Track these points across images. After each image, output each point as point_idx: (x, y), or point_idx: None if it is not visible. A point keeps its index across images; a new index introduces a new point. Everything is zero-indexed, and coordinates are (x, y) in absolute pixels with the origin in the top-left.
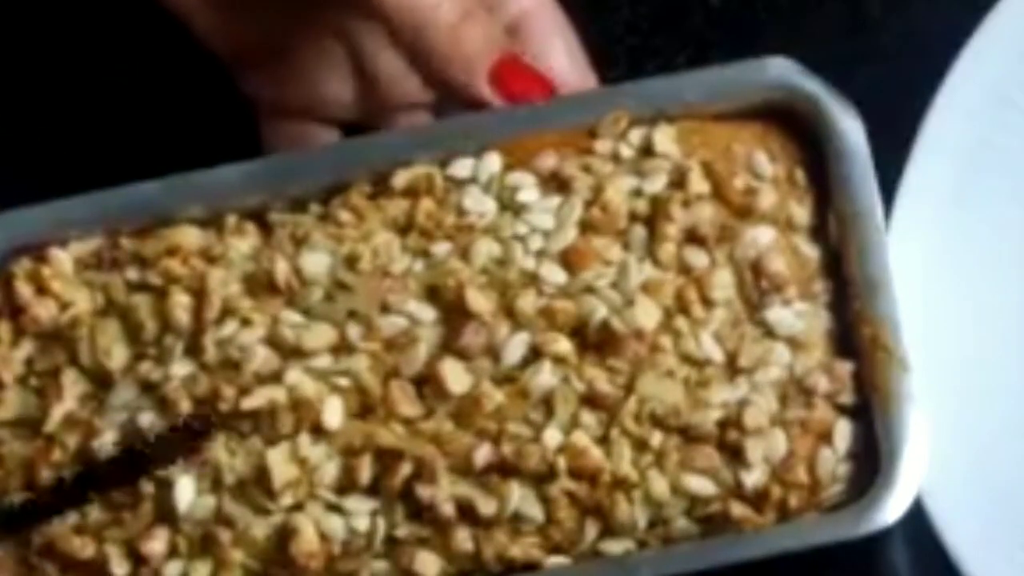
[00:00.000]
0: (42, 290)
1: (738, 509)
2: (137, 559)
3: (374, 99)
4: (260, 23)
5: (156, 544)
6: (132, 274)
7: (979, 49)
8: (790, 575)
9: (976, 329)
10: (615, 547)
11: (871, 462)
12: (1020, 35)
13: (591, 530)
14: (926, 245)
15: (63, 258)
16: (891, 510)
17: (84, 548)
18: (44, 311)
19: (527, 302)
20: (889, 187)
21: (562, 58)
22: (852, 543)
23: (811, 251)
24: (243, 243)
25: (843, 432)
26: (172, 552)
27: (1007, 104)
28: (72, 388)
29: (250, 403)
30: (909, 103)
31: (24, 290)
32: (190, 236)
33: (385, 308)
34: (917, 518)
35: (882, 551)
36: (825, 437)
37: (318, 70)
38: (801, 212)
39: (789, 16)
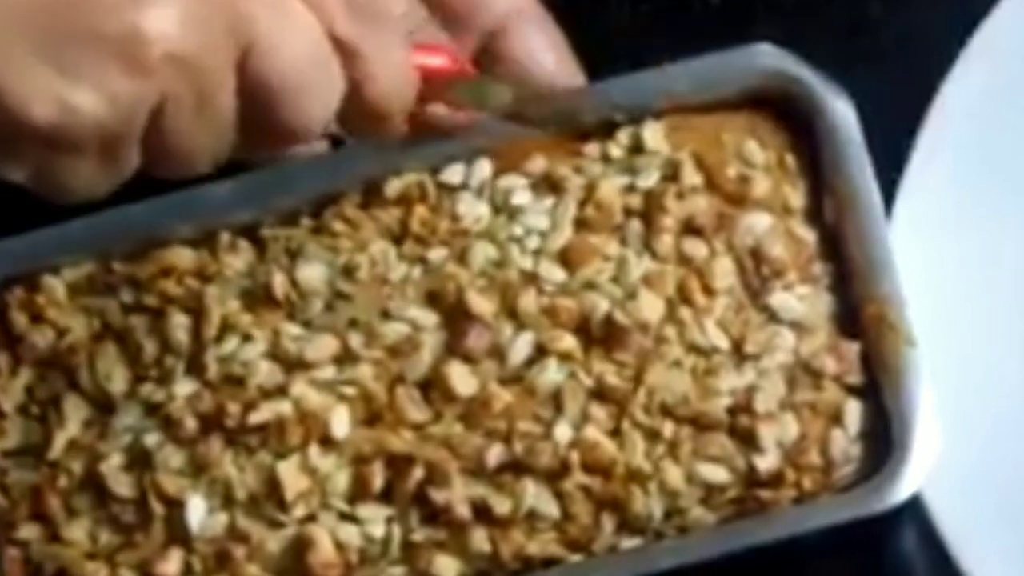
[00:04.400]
0: (37, 318)
1: (753, 494)
2: None
3: None
4: None
5: (170, 565)
6: (127, 297)
7: (979, 49)
8: (802, 561)
9: (977, 329)
10: (632, 540)
11: (883, 440)
12: (1020, 35)
13: (607, 524)
14: (927, 246)
15: (56, 285)
16: (905, 487)
17: (98, 572)
18: (41, 339)
19: (528, 301)
20: (889, 187)
21: (548, 56)
22: (863, 526)
23: (808, 234)
24: (237, 260)
25: (853, 412)
26: (187, 572)
27: (1007, 104)
28: (74, 414)
29: (257, 418)
30: (909, 103)
31: (19, 319)
32: (183, 256)
33: (386, 315)
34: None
35: (891, 535)
36: (836, 418)
37: None
38: (796, 196)
39: (789, 15)
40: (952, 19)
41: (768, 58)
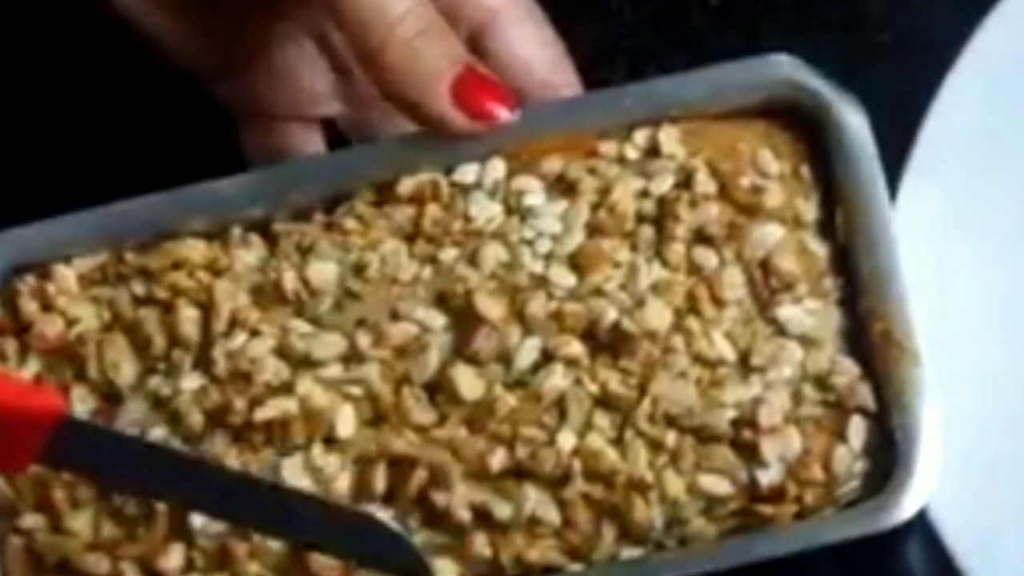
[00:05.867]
0: (47, 307)
1: (754, 508)
2: (153, 575)
3: (353, 91)
4: (231, 32)
5: (172, 559)
6: (138, 288)
7: (979, 49)
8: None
9: (977, 334)
10: (633, 550)
11: (887, 457)
12: (1020, 35)
13: (608, 532)
14: (927, 247)
15: (67, 274)
16: (909, 505)
17: (99, 564)
18: (50, 328)
19: (537, 306)
20: (890, 187)
21: (537, 51)
22: (867, 542)
23: (820, 248)
24: (249, 255)
25: (858, 428)
26: (188, 567)
27: (1007, 104)
28: (81, 405)
29: (262, 415)
30: (909, 102)
31: (29, 307)
32: (195, 249)
33: (395, 315)
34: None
35: (896, 549)
36: (840, 434)
37: (294, 69)
38: (808, 209)
39: (789, 15)
40: (952, 19)
41: (782, 69)
